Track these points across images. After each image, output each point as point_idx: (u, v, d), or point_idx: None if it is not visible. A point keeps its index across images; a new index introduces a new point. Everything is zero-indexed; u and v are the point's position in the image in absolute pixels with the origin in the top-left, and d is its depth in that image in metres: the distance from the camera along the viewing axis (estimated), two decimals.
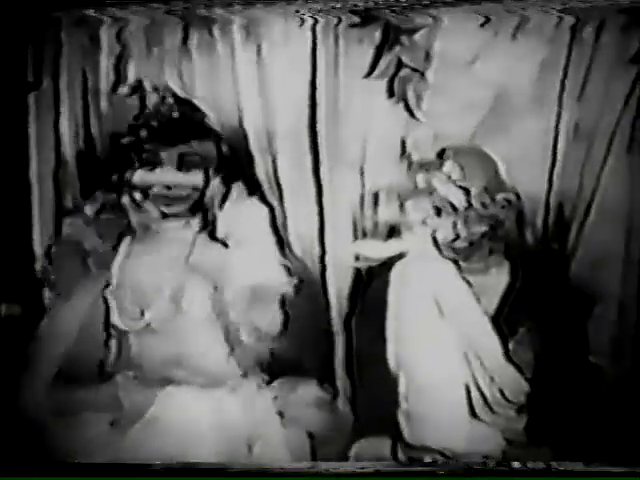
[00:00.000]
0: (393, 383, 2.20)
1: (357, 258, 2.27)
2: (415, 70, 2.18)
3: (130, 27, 2.41)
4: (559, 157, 2.18)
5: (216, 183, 2.31)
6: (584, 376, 2.15)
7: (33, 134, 2.44)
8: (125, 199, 2.32)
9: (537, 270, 2.19)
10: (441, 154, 2.21)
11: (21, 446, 2.25)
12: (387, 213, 2.28)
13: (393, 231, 2.28)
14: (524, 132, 2.18)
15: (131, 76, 2.44)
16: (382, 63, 2.19)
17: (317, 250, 2.36)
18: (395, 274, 2.22)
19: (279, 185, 2.36)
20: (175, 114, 2.32)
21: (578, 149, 2.17)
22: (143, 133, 2.29)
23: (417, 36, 2.16)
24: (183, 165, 2.30)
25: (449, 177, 2.20)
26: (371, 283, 2.29)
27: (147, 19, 2.39)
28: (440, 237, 2.20)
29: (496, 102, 2.19)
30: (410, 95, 2.19)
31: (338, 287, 2.34)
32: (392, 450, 2.15)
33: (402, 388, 2.18)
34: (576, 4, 2.10)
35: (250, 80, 2.36)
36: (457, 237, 2.19)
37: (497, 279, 2.18)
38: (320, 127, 2.31)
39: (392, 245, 2.25)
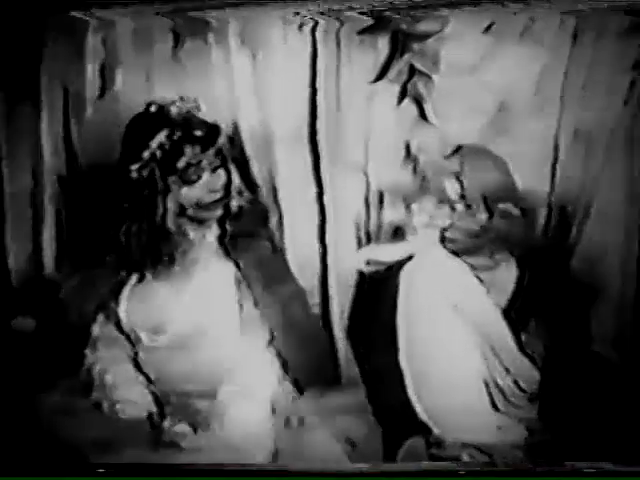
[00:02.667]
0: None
1: (368, 263, 2.30)
2: (426, 75, 2.22)
3: (117, 31, 2.37)
4: (561, 158, 2.26)
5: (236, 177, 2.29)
6: (588, 364, 2.25)
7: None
8: (172, 225, 2.25)
9: (542, 265, 2.27)
10: (453, 151, 2.25)
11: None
12: (392, 215, 2.32)
13: (397, 233, 2.32)
14: (527, 134, 2.24)
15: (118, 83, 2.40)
16: (395, 68, 2.22)
17: (318, 255, 2.38)
18: (405, 276, 2.26)
19: (276, 189, 2.37)
20: (197, 120, 2.27)
21: (578, 150, 2.25)
22: (188, 147, 2.22)
23: (428, 42, 2.19)
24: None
25: (449, 169, 2.24)
26: (377, 287, 2.31)
27: (135, 22, 2.35)
28: (443, 232, 2.24)
29: (500, 105, 2.24)
30: (423, 99, 2.22)
31: (340, 292, 2.37)
32: (427, 449, 2.20)
33: (417, 389, 2.23)
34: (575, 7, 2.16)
35: (247, 84, 2.35)
36: (456, 233, 2.24)
37: (507, 274, 2.24)
38: (321, 130, 2.32)
39: (401, 247, 2.28)
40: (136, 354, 2.28)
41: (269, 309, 2.29)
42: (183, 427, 2.22)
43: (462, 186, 2.23)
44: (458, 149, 2.26)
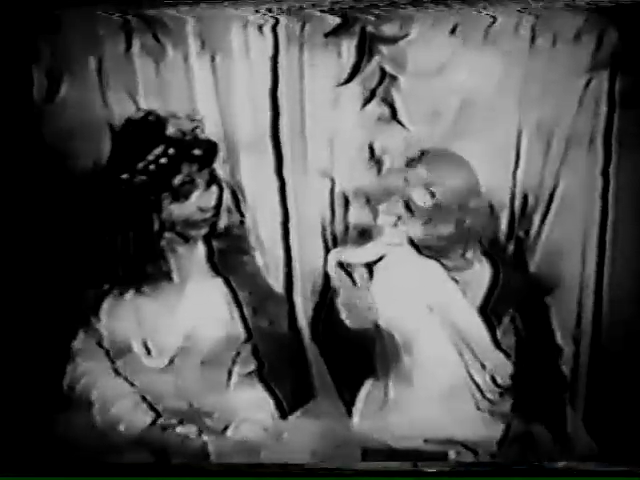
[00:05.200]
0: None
1: (341, 265, 2.29)
2: (394, 77, 2.23)
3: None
4: (522, 156, 2.32)
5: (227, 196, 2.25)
6: (553, 358, 2.33)
7: None
8: (165, 242, 2.17)
9: (509, 260, 2.33)
10: (417, 157, 2.27)
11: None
12: (358, 217, 2.32)
13: (364, 234, 2.33)
14: (489, 134, 2.29)
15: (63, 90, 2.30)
16: (365, 71, 2.22)
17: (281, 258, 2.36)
18: (377, 276, 2.27)
19: (241, 192, 2.34)
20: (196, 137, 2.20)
21: (539, 148, 2.31)
22: (185, 165, 2.14)
23: (397, 44, 2.21)
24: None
25: (417, 178, 2.27)
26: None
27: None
28: (412, 236, 2.27)
29: (463, 106, 2.28)
30: (394, 101, 2.23)
31: (304, 295, 2.36)
32: None
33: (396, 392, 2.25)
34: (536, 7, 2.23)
35: (206, 88, 2.30)
36: (426, 236, 2.27)
37: (481, 273, 2.29)
38: (283, 134, 2.30)
39: (372, 248, 2.29)
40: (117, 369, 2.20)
41: (258, 330, 2.26)
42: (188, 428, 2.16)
43: (433, 196, 2.25)
44: (422, 155, 2.28)
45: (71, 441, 2.22)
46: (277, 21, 2.25)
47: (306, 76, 2.28)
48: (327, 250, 2.35)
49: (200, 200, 2.22)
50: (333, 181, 2.33)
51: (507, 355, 2.26)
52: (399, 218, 2.27)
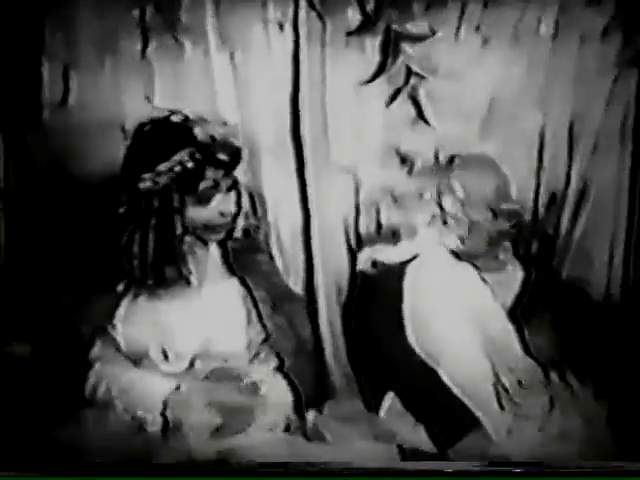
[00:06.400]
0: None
1: (374, 264, 2.26)
2: (422, 77, 2.19)
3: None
4: (548, 155, 2.29)
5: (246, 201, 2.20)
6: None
7: None
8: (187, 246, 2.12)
9: (542, 264, 2.30)
10: (450, 161, 2.24)
11: None
12: (387, 216, 2.29)
13: (394, 235, 2.29)
14: (514, 134, 2.26)
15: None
16: (391, 69, 2.18)
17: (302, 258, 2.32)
18: (409, 277, 2.24)
19: (261, 194, 2.29)
20: (222, 141, 2.15)
21: (566, 147, 2.28)
22: (211, 170, 2.09)
23: (422, 44, 2.17)
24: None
25: (448, 187, 2.24)
26: (376, 289, 2.28)
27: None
28: (445, 242, 2.25)
29: (490, 107, 2.24)
30: (421, 101, 2.19)
31: (328, 297, 2.32)
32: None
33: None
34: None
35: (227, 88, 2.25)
36: (460, 241, 2.25)
37: (513, 275, 2.26)
38: (306, 134, 2.26)
39: (405, 248, 2.26)
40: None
41: (277, 330, 2.23)
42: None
43: (463, 204, 2.22)
44: (452, 161, 2.25)
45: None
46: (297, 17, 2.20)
47: (328, 74, 2.23)
48: (351, 250, 2.30)
49: (221, 204, 2.18)
50: (357, 181, 2.28)
51: (536, 360, 2.23)
52: (433, 217, 2.23)
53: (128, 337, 2.17)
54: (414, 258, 2.24)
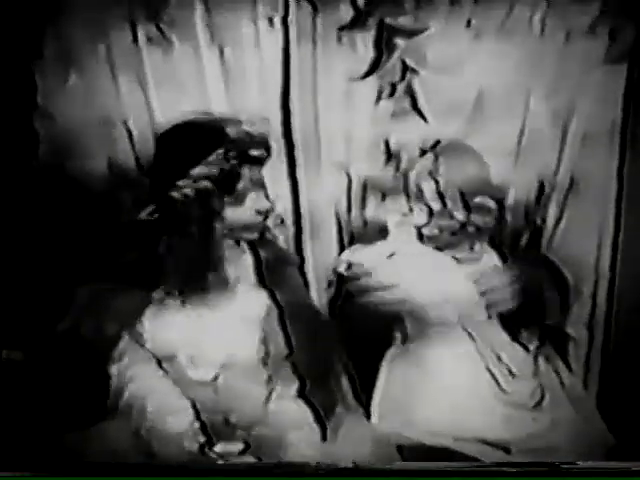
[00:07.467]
0: None
1: (349, 266, 2.26)
2: (416, 71, 2.19)
3: None
4: (537, 148, 2.30)
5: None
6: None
7: None
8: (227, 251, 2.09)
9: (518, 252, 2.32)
10: (429, 147, 2.24)
11: None
12: (375, 213, 2.29)
13: (382, 231, 2.30)
14: (500, 127, 2.27)
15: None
16: (387, 64, 2.18)
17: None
18: (389, 275, 2.25)
19: None
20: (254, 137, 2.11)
21: (555, 140, 2.30)
22: (246, 168, 2.06)
23: (416, 38, 2.17)
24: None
25: (424, 166, 2.24)
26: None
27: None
28: (420, 229, 2.24)
29: (478, 101, 2.25)
30: (416, 95, 2.20)
31: (319, 292, 2.33)
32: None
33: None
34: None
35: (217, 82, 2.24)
36: (435, 229, 2.25)
37: (489, 265, 2.27)
38: (296, 128, 2.25)
39: (380, 248, 2.26)
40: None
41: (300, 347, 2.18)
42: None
43: (437, 185, 2.22)
44: (435, 145, 2.25)
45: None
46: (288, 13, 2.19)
47: (319, 69, 2.22)
48: (342, 247, 2.31)
49: (256, 202, 2.14)
50: (349, 177, 2.28)
51: (524, 347, 2.26)
52: (404, 215, 2.23)
53: (155, 339, 2.12)
54: (391, 256, 2.24)
